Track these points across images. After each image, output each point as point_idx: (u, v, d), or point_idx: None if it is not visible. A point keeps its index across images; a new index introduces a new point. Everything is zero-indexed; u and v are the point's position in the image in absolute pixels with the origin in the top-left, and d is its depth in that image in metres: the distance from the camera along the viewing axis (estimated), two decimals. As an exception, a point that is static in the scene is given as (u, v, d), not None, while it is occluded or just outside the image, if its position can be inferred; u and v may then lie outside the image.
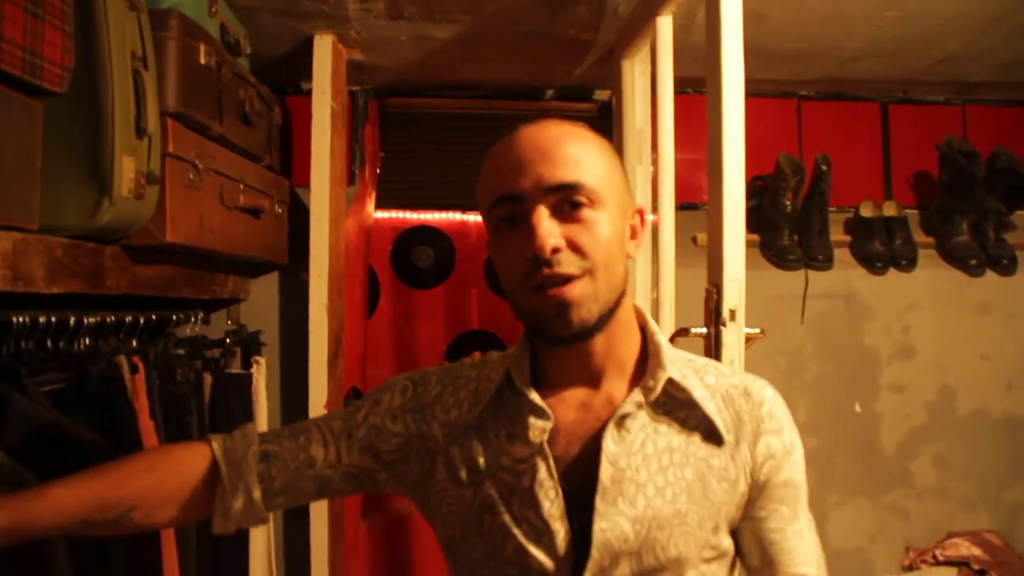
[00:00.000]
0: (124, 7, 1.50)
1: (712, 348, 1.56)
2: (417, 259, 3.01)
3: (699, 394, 1.07)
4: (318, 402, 2.27)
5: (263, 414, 2.28)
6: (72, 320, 1.60)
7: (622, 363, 1.09)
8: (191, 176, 1.76)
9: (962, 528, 2.75)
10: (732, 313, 1.53)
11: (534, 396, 1.06)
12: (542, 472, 1.03)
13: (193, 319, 2.17)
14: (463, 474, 1.09)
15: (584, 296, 0.99)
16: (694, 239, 2.64)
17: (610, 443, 1.03)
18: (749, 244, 2.68)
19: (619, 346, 1.09)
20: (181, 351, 1.98)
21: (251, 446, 1.13)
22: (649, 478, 1.03)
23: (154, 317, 1.91)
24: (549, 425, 1.05)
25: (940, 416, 2.80)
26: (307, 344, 2.29)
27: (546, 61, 2.55)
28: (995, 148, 2.70)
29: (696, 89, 2.58)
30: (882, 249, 2.76)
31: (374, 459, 1.14)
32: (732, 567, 1.11)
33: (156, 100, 1.59)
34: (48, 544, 1.22)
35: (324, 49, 2.32)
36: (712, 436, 1.06)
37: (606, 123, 2.79)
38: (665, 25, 1.95)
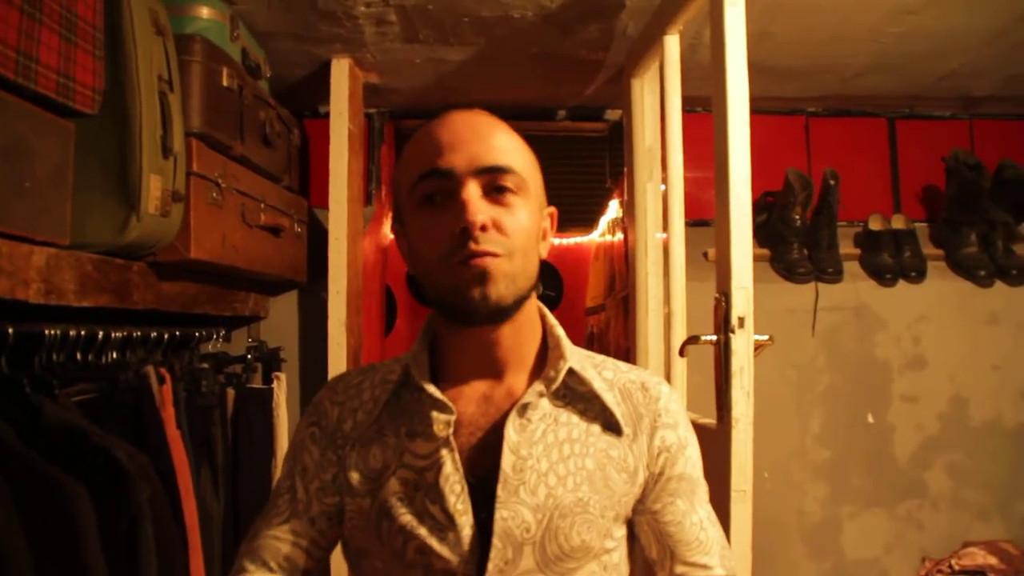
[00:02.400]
0: (151, 32, 1.57)
1: (722, 355, 1.59)
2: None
3: (598, 385, 1.09)
4: (337, 417, 2.30)
5: (283, 428, 2.32)
6: (100, 334, 1.66)
7: (523, 357, 1.10)
8: (214, 195, 1.82)
9: (978, 538, 2.75)
10: (741, 320, 1.56)
11: (433, 390, 1.05)
12: (448, 466, 1.02)
13: (215, 336, 2.23)
14: (359, 483, 1.07)
15: (504, 273, 1.00)
16: (705, 254, 2.68)
17: (511, 432, 1.03)
18: (759, 258, 2.76)
19: (523, 340, 1.09)
20: (205, 365, 2.04)
21: None
22: (550, 467, 1.03)
23: (178, 333, 1.96)
24: (452, 418, 1.04)
25: (953, 426, 2.81)
26: (326, 360, 2.34)
27: (558, 82, 2.61)
28: (1002, 160, 2.73)
29: (705, 108, 2.63)
30: (891, 261, 2.79)
31: (341, 516, 1.12)
32: (629, 556, 1.13)
33: (181, 121, 1.66)
34: (80, 530, 1.27)
35: (341, 72, 2.39)
36: (611, 427, 1.08)
37: (617, 142, 2.85)
38: (672, 44, 2.00)
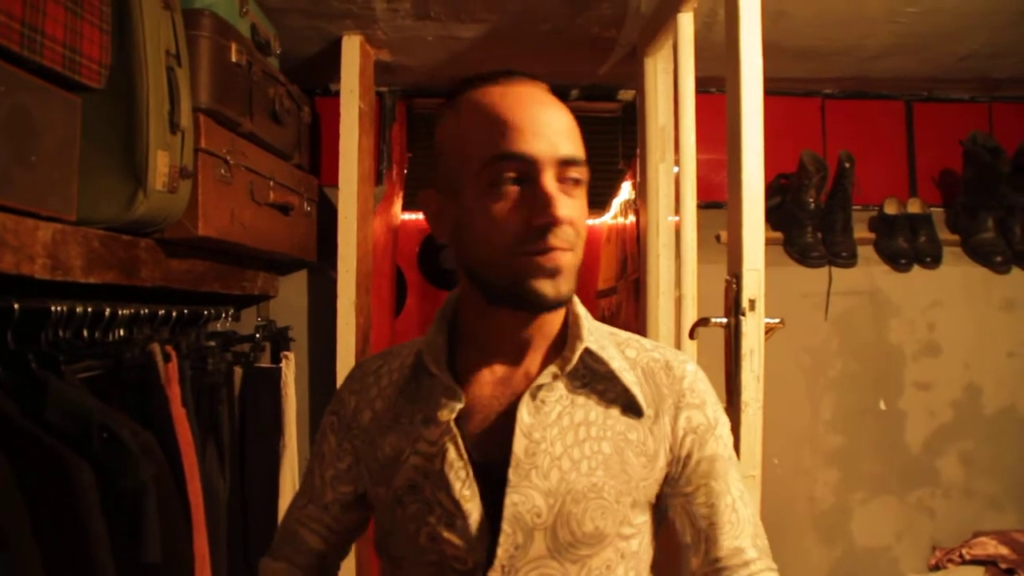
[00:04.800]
0: (158, 6, 1.55)
1: (732, 338, 1.57)
2: (444, 260, 3.05)
3: (617, 365, 1.06)
4: (346, 397, 2.30)
5: (291, 408, 2.32)
6: (108, 311, 1.65)
7: (545, 337, 1.08)
8: (223, 172, 1.81)
9: (989, 527, 2.73)
10: (752, 303, 1.54)
11: (444, 376, 1.05)
12: (451, 452, 1.00)
13: (224, 315, 2.22)
14: (378, 472, 1.08)
15: (570, 267, 0.99)
16: (717, 237, 2.65)
17: (524, 414, 1.01)
18: (773, 242, 2.73)
19: (549, 320, 1.08)
20: (212, 343, 2.03)
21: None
22: (564, 451, 1.01)
23: (186, 311, 1.95)
24: (459, 405, 1.02)
25: (966, 414, 2.79)
26: (335, 340, 2.33)
27: (571, 60, 2.58)
28: (1021, 143, 2.69)
29: (719, 88, 2.60)
30: (906, 246, 2.76)
31: (360, 503, 1.16)
32: (651, 544, 1.10)
33: (189, 96, 1.64)
34: (84, 506, 1.26)
35: (352, 49, 2.36)
36: (631, 409, 1.05)
37: (630, 123, 2.82)
38: (686, 22, 1.97)
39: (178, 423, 1.65)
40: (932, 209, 2.83)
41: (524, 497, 0.98)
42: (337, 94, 2.40)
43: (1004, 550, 2.57)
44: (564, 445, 1.01)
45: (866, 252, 2.80)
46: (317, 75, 2.67)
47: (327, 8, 2.17)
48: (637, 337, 1.14)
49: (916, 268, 2.78)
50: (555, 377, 1.04)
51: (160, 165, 1.53)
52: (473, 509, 0.99)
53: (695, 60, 2.03)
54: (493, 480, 1.00)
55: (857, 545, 2.75)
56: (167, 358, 1.71)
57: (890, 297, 2.80)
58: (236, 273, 2.22)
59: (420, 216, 3.12)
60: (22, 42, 1.21)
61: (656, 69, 2.29)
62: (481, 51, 2.47)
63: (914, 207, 2.80)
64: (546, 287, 0.98)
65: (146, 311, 1.79)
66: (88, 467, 1.30)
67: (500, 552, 0.97)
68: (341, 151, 2.35)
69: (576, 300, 1.10)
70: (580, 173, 1.00)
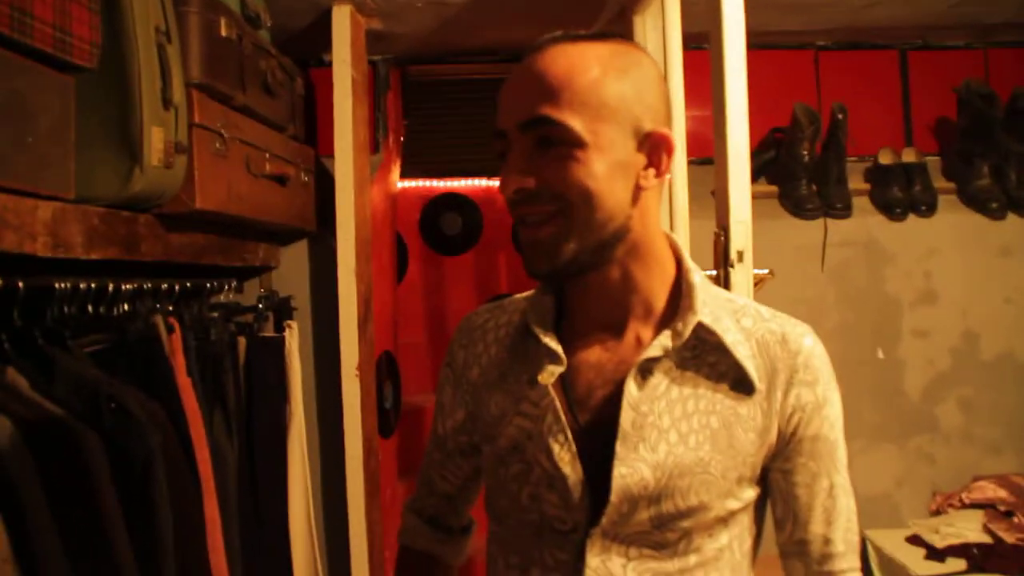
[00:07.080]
0: (146, -17, 1.56)
1: (722, 291, 1.60)
2: (445, 226, 3.07)
3: (731, 339, 1.01)
4: (350, 364, 2.34)
5: (296, 376, 2.35)
6: (111, 286, 1.68)
7: (649, 301, 1.03)
8: (217, 145, 1.83)
9: (988, 472, 2.77)
10: (740, 255, 1.57)
11: (547, 339, 1.03)
12: (550, 416, 1.01)
13: (227, 287, 2.25)
14: (484, 429, 1.09)
15: (554, 236, 0.95)
16: (713, 193, 2.67)
17: (632, 387, 0.99)
18: (768, 195, 2.75)
19: (643, 282, 1.02)
20: (215, 314, 2.07)
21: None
22: (672, 424, 0.98)
23: (189, 284, 1.99)
24: (559, 369, 1.01)
25: (964, 360, 2.82)
26: (337, 309, 2.37)
27: (561, 21, 2.55)
28: (1015, 89, 2.68)
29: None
30: (901, 195, 2.77)
31: (476, 451, 1.17)
32: (756, 515, 1.08)
33: (181, 72, 1.66)
34: (94, 476, 1.31)
35: (342, 19, 2.37)
36: (742, 383, 1.01)
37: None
38: (672, -22, 1.98)
39: (184, 392, 1.69)
40: (928, 158, 2.83)
41: (632, 470, 0.97)
42: (330, 64, 2.40)
43: (1003, 493, 2.61)
44: (672, 418, 0.99)
45: (861, 203, 2.82)
46: (309, 46, 2.67)
47: (315, -22, 2.18)
48: (755, 305, 1.09)
49: (912, 217, 2.80)
50: (665, 351, 1.00)
51: (155, 141, 1.55)
52: (571, 473, 0.99)
53: (683, 16, 2.04)
54: (597, 445, 0.99)
55: (858, 493, 2.68)
56: (171, 329, 1.75)
57: (886, 247, 2.82)
58: (237, 245, 2.25)
59: (420, 183, 3.15)
60: (12, 24, 1.23)
61: (645, 27, 2.29)
62: (472, 15, 2.47)
63: (909, 156, 2.80)
64: (529, 256, 0.99)
65: (149, 285, 1.82)
66: (96, 438, 1.33)
67: (604, 520, 0.98)
68: (335, 121, 2.37)
69: (692, 267, 1.06)
70: (558, 132, 0.93)
